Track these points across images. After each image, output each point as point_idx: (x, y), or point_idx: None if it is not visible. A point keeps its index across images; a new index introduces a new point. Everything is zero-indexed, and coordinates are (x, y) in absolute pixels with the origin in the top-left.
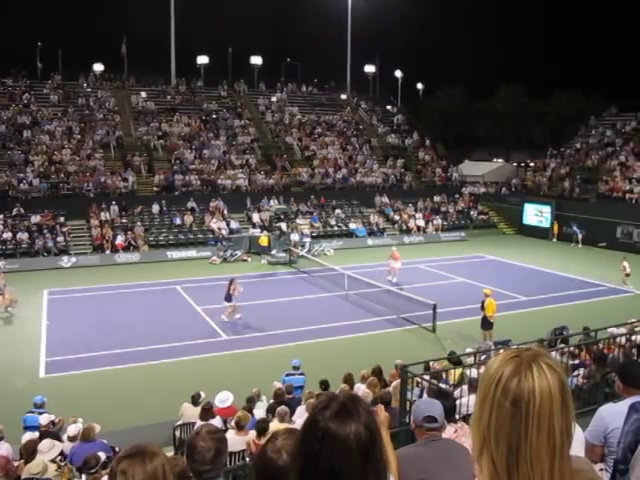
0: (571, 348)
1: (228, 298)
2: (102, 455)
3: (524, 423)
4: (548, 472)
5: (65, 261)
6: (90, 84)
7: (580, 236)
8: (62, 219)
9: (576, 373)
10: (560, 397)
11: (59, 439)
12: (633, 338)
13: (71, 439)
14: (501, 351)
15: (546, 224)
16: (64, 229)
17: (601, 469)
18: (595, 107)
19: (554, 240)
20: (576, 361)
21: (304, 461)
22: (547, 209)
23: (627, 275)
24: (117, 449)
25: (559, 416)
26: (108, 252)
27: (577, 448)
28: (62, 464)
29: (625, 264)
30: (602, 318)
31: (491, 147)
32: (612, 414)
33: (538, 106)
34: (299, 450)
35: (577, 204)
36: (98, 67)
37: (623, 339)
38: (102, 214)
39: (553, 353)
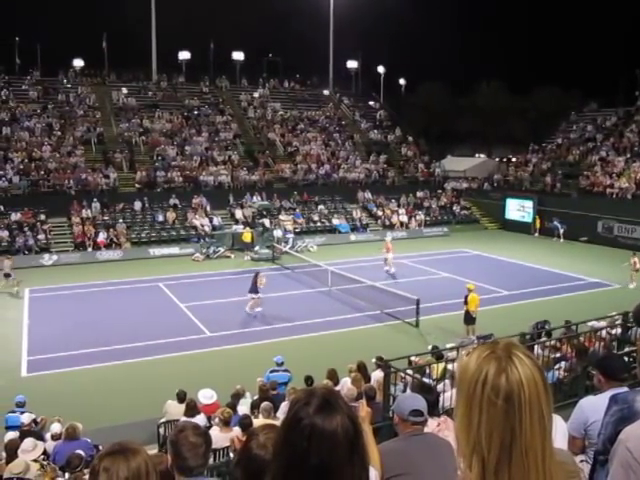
0: (553, 342)
1: (254, 290)
2: (85, 454)
3: (518, 416)
4: (541, 456)
5: (46, 259)
6: (70, 80)
7: (562, 231)
8: (43, 217)
9: (557, 366)
10: (542, 381)
11: (41, 438)
12: (613, 331)
13: (54, 438)
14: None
15: (528, 219)
16: (45, 227)
17: (582, 460)
18: (575, 103)
19: (536, 235)
20: (557, 354)
21: (290, 459)
22: (529, 204)
23: (637, 271)
24: (100, 447)
25: (545, 399)
26: (90, 250)
27: (560, 440)
28: (45, 463)
29: (635, 260)
30: (583, 312)
31: (473, 143)
32: (592, 407)
33: (519, 102)
34: (283, 448)
35: (559, 199)
36: (78, 63)
37: (604, 332)
38: (83, 211)
39: (535, 347)
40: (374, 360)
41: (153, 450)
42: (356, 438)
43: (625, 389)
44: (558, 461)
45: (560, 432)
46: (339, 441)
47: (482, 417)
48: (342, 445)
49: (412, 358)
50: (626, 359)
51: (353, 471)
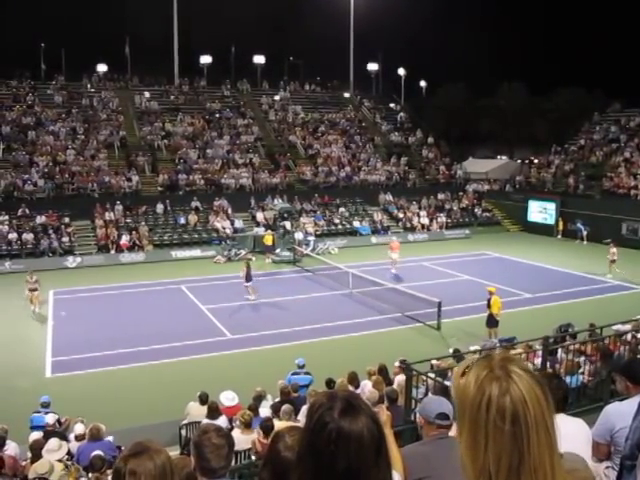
0: (576, 345)
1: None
2: (107, 454)
3: (526, 437)
4: (550, 470)
5: (70, 261)
6: (94, 85)
7: (585, 233)
8: (67, 219)
9: (581, 370)
10: (544, 395)
11: (65, 439)
12: (639, 335)
13: (78, 438)
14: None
15: (551, 221)
16: (69, 229)
17: (607, 467)
18: (598, 103)
19: (559, 237)
20: (582, 358)
21: (317, 464)
22: (551, 206)
23: (613, 262)
24: (123, 448)
25: (548, 413)
26: (113, 252)
27: (584, 446)
28: (69, 464)
29: (614, 250)
30: (607, 315)
31: (495, 144)
32: (619, 413)
33: (541, 103)
34: (309, 453)
35: (582, 201)
36: (101, 68)
37: (629, 336)
38: (106, 214)
39: (559, 350)
40: (397, 363)
41: (175, 452)
42: (381, 440)
43: None
44: (570, 468)
45: (584, 438)
46: (366, 443)
47: (489, 442)
48: (369, 447)
49: (433, 361)
50: None
51: (380, 473)
